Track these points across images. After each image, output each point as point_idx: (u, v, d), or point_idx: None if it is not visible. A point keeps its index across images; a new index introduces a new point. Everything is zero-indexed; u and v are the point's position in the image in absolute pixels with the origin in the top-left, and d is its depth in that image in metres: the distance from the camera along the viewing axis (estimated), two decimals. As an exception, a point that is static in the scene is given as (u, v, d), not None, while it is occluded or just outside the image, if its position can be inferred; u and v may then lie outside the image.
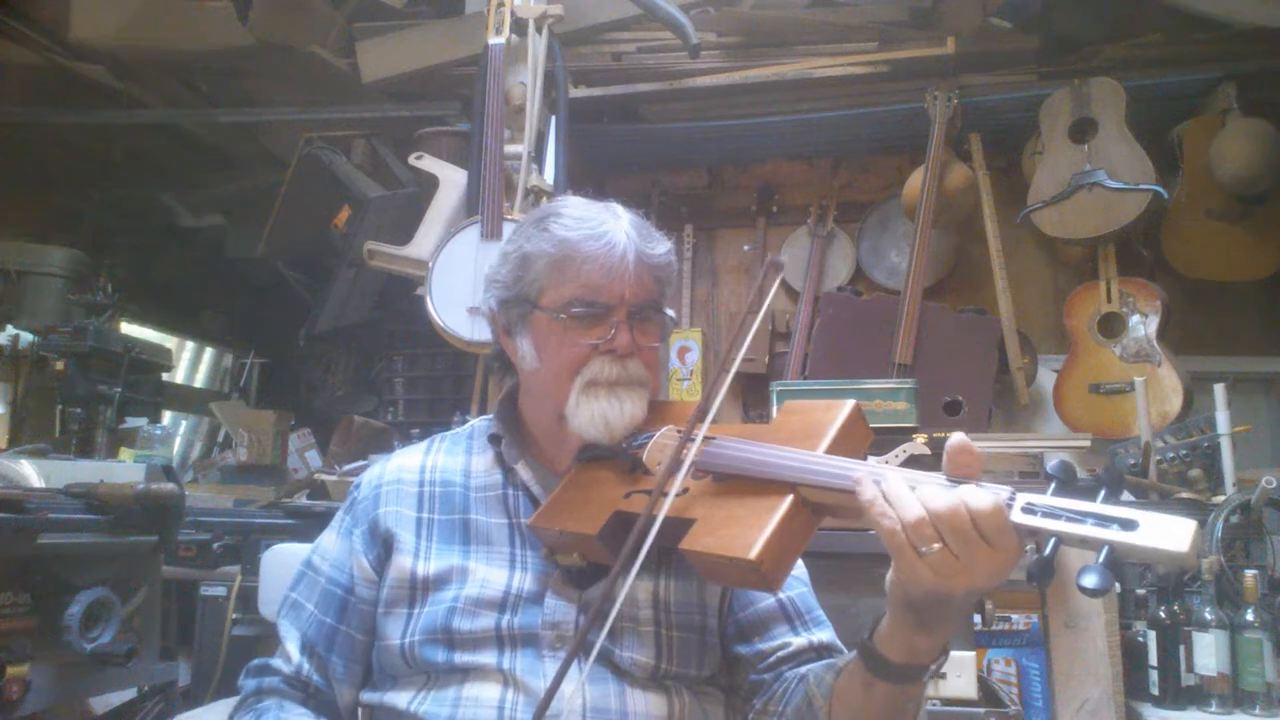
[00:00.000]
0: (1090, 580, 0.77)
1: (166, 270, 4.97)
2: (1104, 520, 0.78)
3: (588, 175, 4.08)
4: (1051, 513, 0.81)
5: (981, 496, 0.84)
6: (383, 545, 1.20)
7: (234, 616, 2.58)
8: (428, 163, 3.30)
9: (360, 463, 3.09)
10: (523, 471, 1.22)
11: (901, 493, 0.87)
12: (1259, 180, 3.22)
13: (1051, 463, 0.86)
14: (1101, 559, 0.77)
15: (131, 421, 3.56)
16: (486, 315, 1.26)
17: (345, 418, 3.50)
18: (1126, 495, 2.53)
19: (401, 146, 3.76)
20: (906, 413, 2.47)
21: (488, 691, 1.09)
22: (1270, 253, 3.40)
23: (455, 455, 1.27)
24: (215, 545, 2.66)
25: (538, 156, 3.20)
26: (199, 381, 5.38)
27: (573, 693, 1.07)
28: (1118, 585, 2.26)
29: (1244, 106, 3.30)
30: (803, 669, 1.14)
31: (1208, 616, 2.15)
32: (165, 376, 4.00)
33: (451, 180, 3.23)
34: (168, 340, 4.79)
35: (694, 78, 3.61)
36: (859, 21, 3.57)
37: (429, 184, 3.30)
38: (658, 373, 1.23)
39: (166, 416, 4.46)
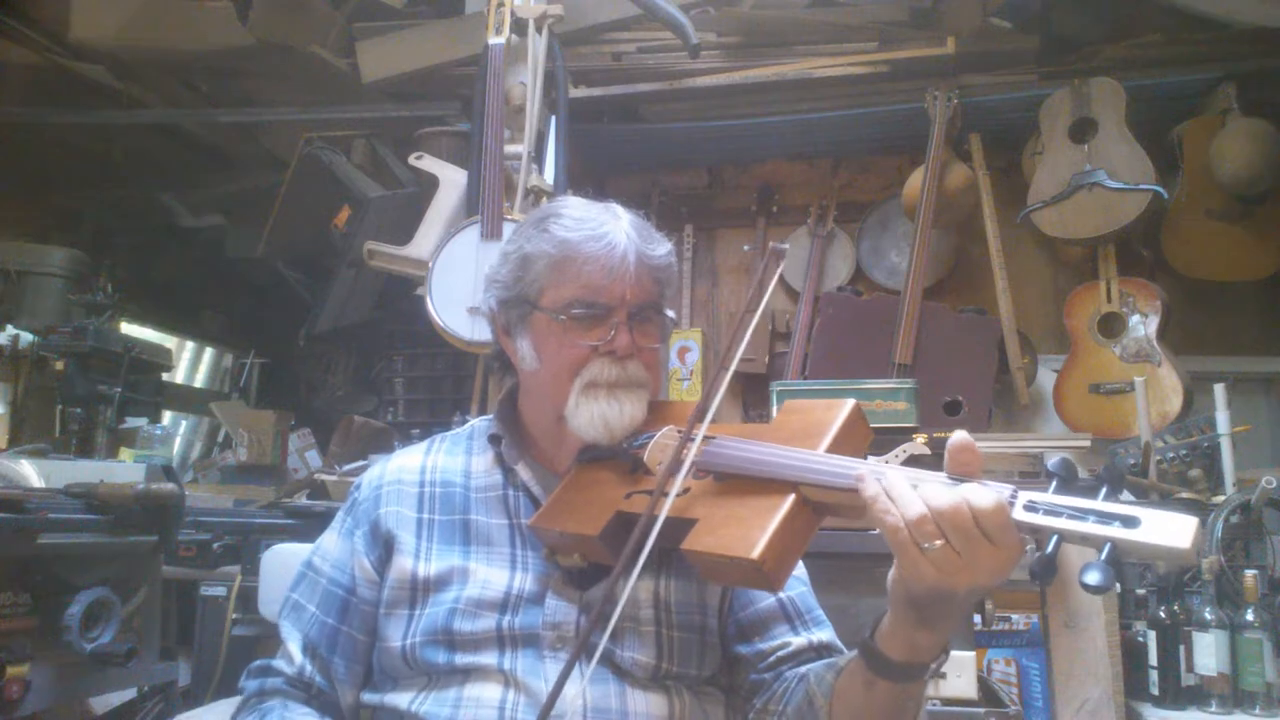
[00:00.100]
0: (1093, 577, 0.77)
1: (166, 270, 4.97)
2: (1105, 517, 0.78)
3: (588, 175, 4.08)
4: (1053, 510, 0.81)
5: (984, 494, 0.84)
6: (384, 546, 1.20)
7: (234, 616, 2.57)
8: (428, 163, 3.30)
9: (360, 463, 3.09)
10: (523, 472, 1.22)
11: (904, 490, 0.87)
12: (1259, 180, 3.22)
13: (1053, 460, 0.86)
14: (1103, 556, 0.77)
15: (131, 421, 3.56)
16: (486, 315, 1.26)
17: (345, 418, 3.50)
18: (1126, 495, 2.53)
19: (401, 146, 3.76)
20: (906, 413, 2.47)
21: (489, 692, 1.09)
22: (1270, 253, 3.40)
23: (455, 456, 1.27)
24: (215, 545, 2.65)
25: (538, 156, 3.20)
26: (199, 381, 5.38)
27: (574, 693, 1.07)
28: (1118, 585, 2.26)
29: (1244, 106, 3.30)
30: (803, 668, 1.14)
31: (1208, 616, 2.15)
32: (165, 376, 4.00)
33: (451, 180, 3.23)
34: (168, 340, 4.79)
35: (694, 78, 3.61)
36: (859, 21, 3.57)
37: (429, 184, 3.30)
38: (658, 373, 1.23)
39: (166, 416, 4.46)
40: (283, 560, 2.06)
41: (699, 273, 4.22)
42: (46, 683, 1.78)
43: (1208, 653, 2.12)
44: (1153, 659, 2.23)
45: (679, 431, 1.09)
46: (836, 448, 1.00)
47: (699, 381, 3.94)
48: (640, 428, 1.15)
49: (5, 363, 3.34)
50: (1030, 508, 0.83)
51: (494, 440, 1.25)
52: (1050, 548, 0.81)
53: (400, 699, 1.12)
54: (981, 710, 1.92)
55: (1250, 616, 2.12)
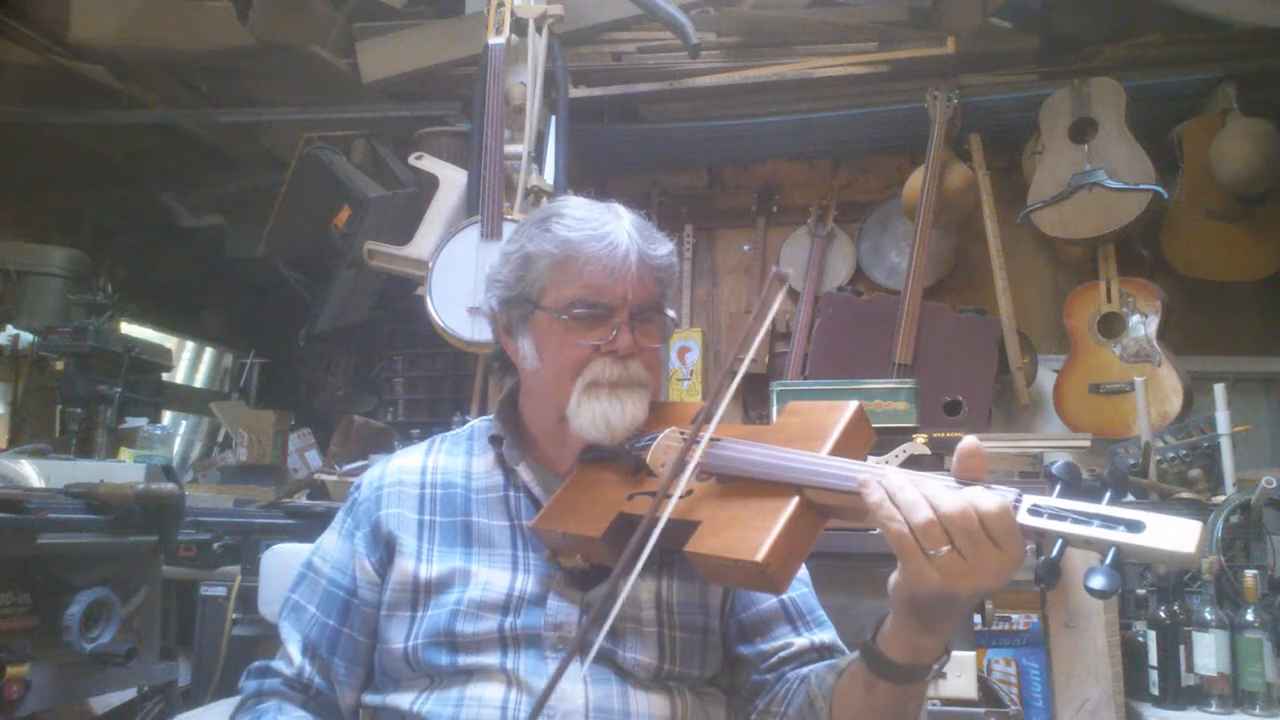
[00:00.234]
0: (1098, 582, 0.77)
1: (166, 270, 4.97)
2: (1110, 522, 0.78)
3: (588, 175, 4.08)
4: (1058, 514, 0.81)
5: (989, 498, 0.84)
6: (385, 548, 1.19)
7: (234, 616, 2.57)
8: (428, 163, 3.30)
9: (360, 463, 3.09)
10: (524, 473, 1.22)
11: (909, 495, 0.87)
12: (1259, 180, 3.22)
13: (1056, 464, 0.86)
14: (1108, 561, 0.77)
15: (131, 421, 3.56)
16: (487, 315, 1.25)
17: (345, 418, 3.50)
18: (1128, 496, 2.53)
19: (401, 146, 3.76)
20: (906, 413, 2.47)
21: (491, 691, 1.09)
22: (1270, 253, 3.40)
23: (456, 456, 1.27)
24: (215, 545, 2.65)
25: (538, 156, 3.20)
26: (199, 381, 5.38)
27: (576, 693, 1.07)
28: (1117, 585, 2.26)
29: (1244, 106, 3.30)
30: (804, 669, 1.14)
31: (1208, 616, 2.15)
32: (165, 376, 4.00)
33: (451, 180, 3.23)
34: (168, 340, 4.79)
35: (694, 78, 3.61)
36: (859, 21, 3.57)
37: (429, 184, 3.30)
38: (659, 373, 1.23)
39: (166, 416, 4.46)
40: (283, 560, 2.06)
41: (699, 273, 4.22)
42: (46, 683, 1.78)
43: (1208, 653, 2.13)
44: (1153, 659, 2.23)
45: (682, 433, 1.09)
46: (839, 450, 0.99)
47: (699, 381, 3.94)
48: (641, 429, 1.14)
49: (5, 363, 3.34)
50: (1035, 512, 0.82)
51: (495, 441, 1.25)
52: (1055, 552, 0.81)
53: (402, 699, 1.12)
54: (981, 710, 1.92)
55: (1250, 616, 2.13)
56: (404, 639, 1.13)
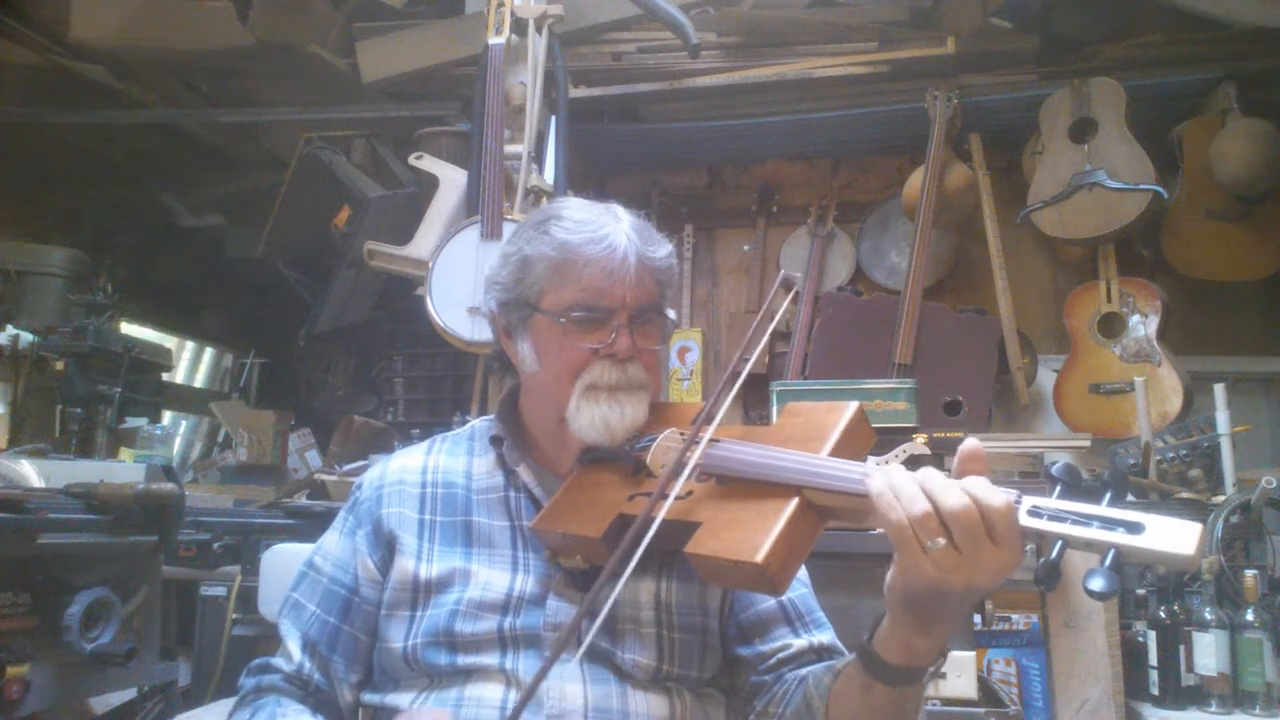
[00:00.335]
0: (1097, 584, 0.77)
1: (166, 270, 4.97)
2: (1110, 523, 0.78)
3: (588, 175, 4.08)
4: (1057, 516, 0.81)
5: (995, 493, 0.84)
6: (386, 547, 1.20)
7: (234, 616, 2.57)
8: (428, 163, 3.30)
9: (360, 463, 3.09)
10: (524, 474, 1.22)
11: (910, 488, 0.87)
12: (1259, 180, 3.22)
13: (1056, 466, 0.86)
14: (1107, 563, 0.77)
15: (131, 421, 3.56)
16: (487, 317, 1.25)
17: (345, 418, 3.50)
18: (1128, 497, 2.53)
19: (401, 146, 3.76)
20: (906, 413, 2.47)
21: (490, 691, 1.09)
22: (1270, 253, 3.40)
23: (457, 456, 1.27)
24: (215, 545, 2.65)
25: (538, 156, 3.20)
26: (199, 381, 5.38)
27: (575, 693, 1.07)
28: (1118, 586, 2.26)
29: (1244, 106, 3.31)
30: (803, 671, 1.14)
31: (1208, 616, 2.15)
32: (165, 376, 4.00)
33: (451, 180, 3.23)
34: (168, 340, 4.79)
35: (694, 78, 3.61)
36: (859, 21, 3.57)
37: (429, 184, 3.30)
38: (659, 374, 1.23)
39: (166, 416, 4.46)
40: (283, 560, 2.06)
41: (699, 273, 4.22)
42: (46, 683, 1.78)
43: (1208, 653, 2.13)
44: (1153, 659, 2.23)
45: (681, 434, 1.09)
46: (839, 451, 0.99)
47: (699, 381, 3.94)
48: (641, 429, 1.15)
49: (5, 363, 3.34)
50: (1034, 513, 0.82)
51: (495, 442, 1.25)
52: (1055, 553, 0.81)
53: (402, 699, 1.12)
54: (981, 710, 1.92)
55: (1250, 616, 2.13)
56: (403, 638, 1.14)
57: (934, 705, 1.91)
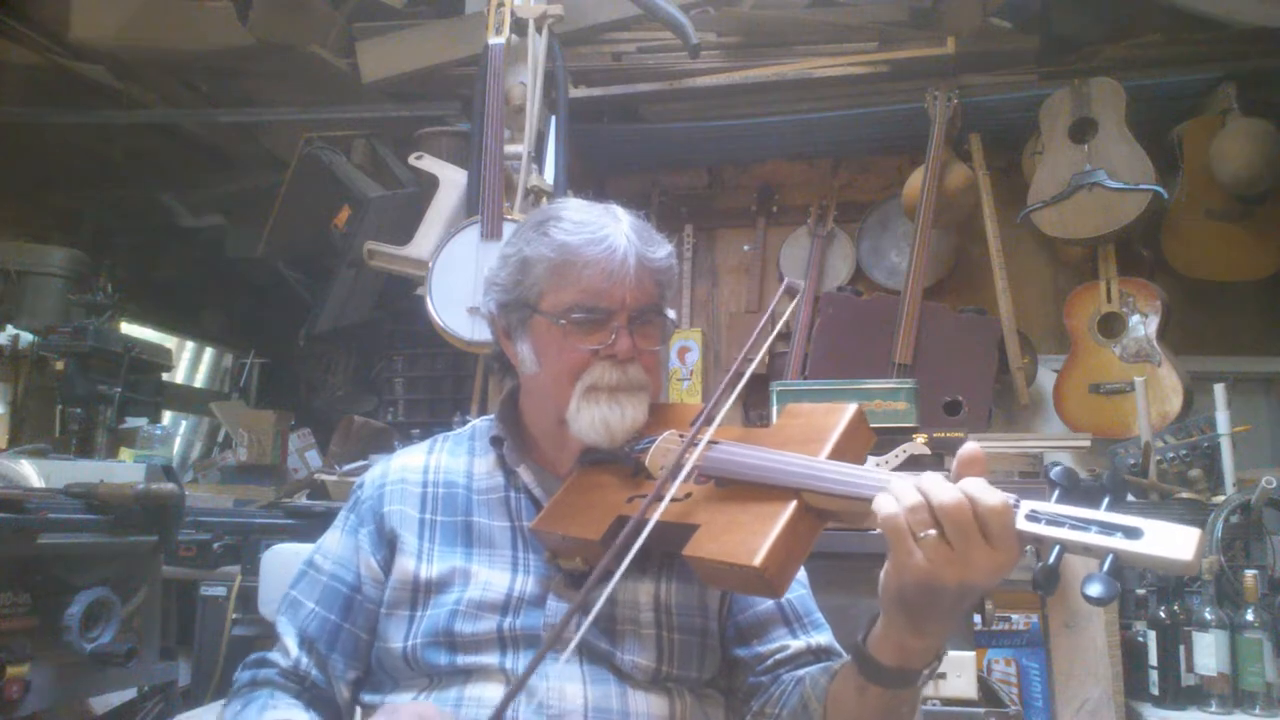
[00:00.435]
0: (1095, 589, 0.76)
1: (166, 270, 4.98)
2: (1108, 528, 0.78)
3: (588, 175, 4.08)
4: (1056, 520, 0.81)
5: (989, 493, 0.84)
6: (388, 546, 1.20)
7: (234, 616, 2.58)
8: (428, 163, 3.30)
9: (360, 463, 3.09)
10: (525, 474, 1.22)
11: (905, 483, 0.88)
12: (1259, 180, 3.22)
13: (1055, 469, 0.86)
14: (1105, 568, 0.77)
15: (131, 421, 3.56)
16: (486, 318, 1.25)
17: (345, 418, 3.50)
18: (1128, 499, 2.53)
19: (401, 146, 3.76)
20: (906, 413, 2.47)
21: (489, 691, 1.09)
22: (1270, 253, 3.40)
23: (458, 456, 1.27)
24: (215, 545, 2.66)
25: (538, 156, 3.20)
26: (199, 381, 5.38)
27: (575, 693, 1.07)
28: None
29: (1244, 106, 3.31)
30: (800, 672, 1.14)
31: (1208, 616, 2.15)
32: (165, 376, 4.01)
33: (451, 180, 3.23)
34: (168, 340, 4.79)
35: (694, 78, 3.61)
36: (859, 21, 3.57)
37: (429, 184, 3.30)
38: (659, 375, 1.23)
39: (166, 416, 4.46)
40: (283, 560, 2.06)
41: (699, 273, 4.22)
42: (46, 683, 1.78)
43: (1208, 653, 2.13)
44: (1153, 659, 2.23)
45: (681, 436, 1.09)
46: (839, 453, 0.99)
47: (699, 381, 3.94)
48: (641, 430, 1.15)
49: (5, 363, 3.34)
50: (1033, 517, 0.82)
51: (496, 442, 1.25)
52: (1053, 558, 0.80)
53: (401, 699, 1.12)
54: (981, 710, 1.92)
55: (1250, 616, 2.13)
56: (403, 638, 1.14)
57: (934, 705, 1.91)
